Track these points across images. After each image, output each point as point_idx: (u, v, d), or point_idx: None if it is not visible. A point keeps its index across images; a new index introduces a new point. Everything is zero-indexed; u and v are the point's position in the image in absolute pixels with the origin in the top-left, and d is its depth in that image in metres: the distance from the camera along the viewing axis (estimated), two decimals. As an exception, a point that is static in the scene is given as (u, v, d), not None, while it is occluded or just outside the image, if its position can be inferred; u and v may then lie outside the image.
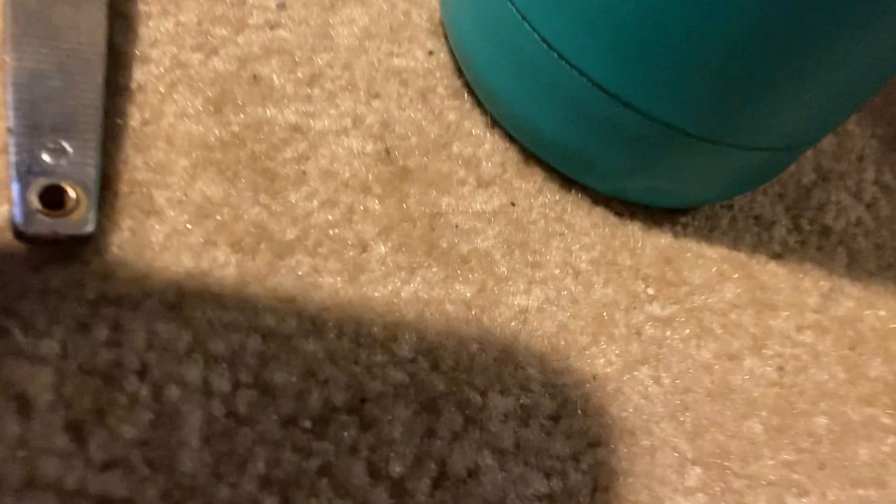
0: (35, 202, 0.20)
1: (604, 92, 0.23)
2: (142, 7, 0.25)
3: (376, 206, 0.24)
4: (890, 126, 0.35)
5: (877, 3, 0.19)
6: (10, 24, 0.21)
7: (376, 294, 0.23)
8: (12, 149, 0.20)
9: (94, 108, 0.22)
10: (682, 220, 0.28)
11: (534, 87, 0.25)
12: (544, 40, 0.24)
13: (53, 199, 0.20)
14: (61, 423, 0.19)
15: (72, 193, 0.20)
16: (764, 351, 0.26)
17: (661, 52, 0.22)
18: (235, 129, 0.24)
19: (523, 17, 0.24)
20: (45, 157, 0.20)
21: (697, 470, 0.23)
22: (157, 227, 0.22)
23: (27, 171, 0.20)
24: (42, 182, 0.20)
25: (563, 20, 0.23)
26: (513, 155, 0.27)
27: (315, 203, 0.24)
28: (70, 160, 0.21)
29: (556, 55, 0.23)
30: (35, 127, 0.21)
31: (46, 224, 0.20)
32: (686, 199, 0.27)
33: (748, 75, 0.22)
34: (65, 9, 0.22)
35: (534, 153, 0.27)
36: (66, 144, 0.21)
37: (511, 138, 0.28)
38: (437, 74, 0.28)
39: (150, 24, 0.25)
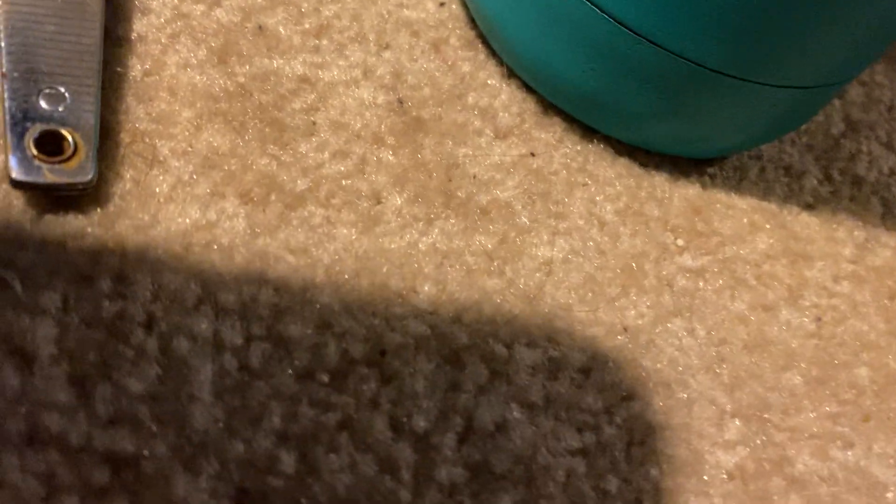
0: (32, 149, 0.19)
1: (626, 29, 0.22)
2: (140, -42, 0.24)
3: (390, 157, 0.23)
4: (920, 75, 0.33)
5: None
6: (3, -33, 0.20)
7: (393, 246, 0.22)
8: (7, 94, 0.19)
9: (92, 54, 0.21)
10: (710, 170, 0.27)
11: (552, 31, 0.24)
12: (562, -23, 0.22)
13: (51, 145, 0.19)
14: (64, 377, 0.17)
15: (70, 139, 0.19)
16: (800, 302, 0.25)
17: (686, -17, 0.21)
18: (241, 79, 0.23)
19: (539, -46, 0.23)
20: (42, 103, 0.19)
21: (737, 423, 0.22)
22: (161, 177, 0.21)
23: (23, 117, 0.19)
24: (39, 128, 0.19)
25: (582, -46, 0.22)
26: (531, 105, 0.26)
27: (326, 154, 0.23)
28: (67, 106, 0.20)
29: (574, -8, 0.22)
30: (31, 71, 0.20)
31: (44, 171, 0.19)
32: (713, 146, 0.26)
33: (779, 9, 0.21)
34: (59, -48, 0.21)
35: (553, 103, 0.26)
36: (63, 90, 0.20)
37: (528, 89, 0.26)
38: (450, 25, 0.27)
39: (150, -25, 0.24)
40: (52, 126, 0.19)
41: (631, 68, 0.23)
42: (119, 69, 0.22)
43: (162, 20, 0.24)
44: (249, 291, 0.20)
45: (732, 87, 0.23)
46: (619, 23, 0.22)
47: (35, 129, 0.19)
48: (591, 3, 0.22)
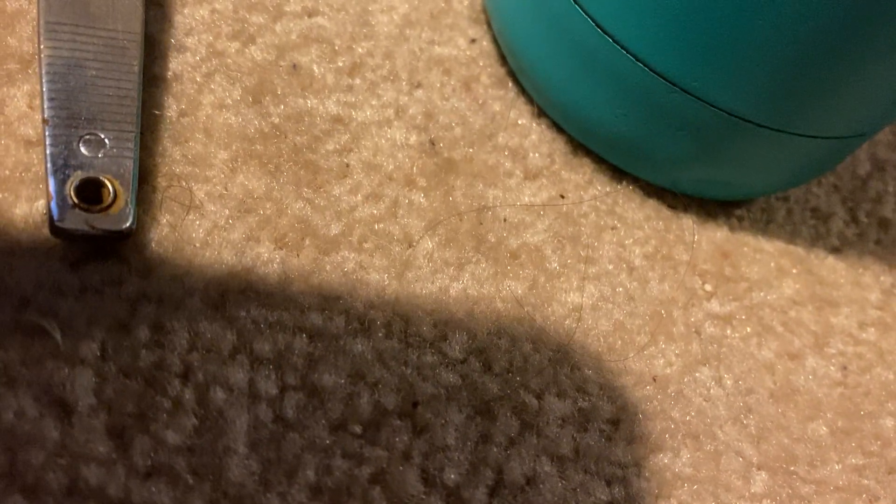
0: (73, 197, 0.19)
1: (662, 78, 0.22)
2: (176, -6, 0.25)
3: (422, 200, 0.23)
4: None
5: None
6: (45, 11, 0.20)
7: (424, 291, 0.22)
8: (48, 140, 0.19)
9: (132, 99, 0.21)
10: (738, 212, 0.27)
11: (585, 74, 0.24)
12: (597, 24, 0.22)
13: (91, 192, 0.19)
14: (102, 428, 0.18)
15: (109, 187, 0.19)
16: (826, 349, 0.25)
17: (724, 37, 0.21)
18: (276, 120, 0.23)
19: (575, 1, 0.23)
20: (83, 149, 0.19)
21: (763, 475, 0.22)
22: (197, 222, 0.21)
23: (64, 163, 0.19)
24: (79, 175, 0.19)
25: (619, 3, 0.22)
26: (560, 145, 0.26)
27: (359, 197, 0.23)
28: (107, 152, 0.20)
29: (610, 40, 0.22)
30: (72, 118, 0.20)
31: (84, 219, 0.19)
32: (743, 190, 0.26)
33: (815, 62, 0.21)
34: (100, -5, 0.21)
35: (583, 143, 0.26)
36: (102, 135, 0.20)
37: (558, 128, 0.27)
38: (481, 63, 0.27)
39: (185, 11, 0.24)
40: (92, 174, 0.19)
41: (664, 115, 0.23)
42: (156, 111, 0.22)
43: (197, 58, 0.24)
44: (284, 340, 0.20)
45: (765, 136, 0.23)
46: (655, 72, 0.22)
47: (76, 177, 0.19)
48: (627, 52, 0.22)
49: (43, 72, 0.20)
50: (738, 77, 0.22)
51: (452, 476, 0.19)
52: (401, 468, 0.19)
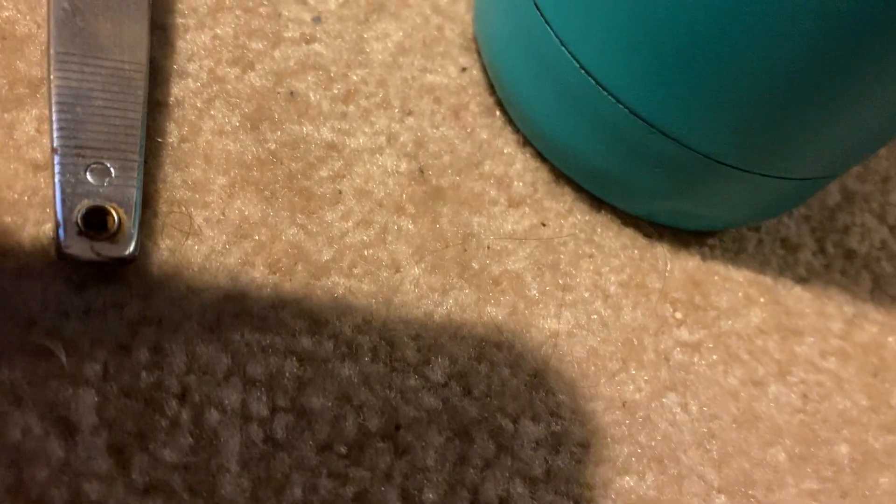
0: (79, 224, 0.20)
1: (640, 119, 0.23)
2: (179, 20, 0.25)
3: (410, 227, 0.25)
4: (916, 148, 0.35)
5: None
6: (55, 41, 0.21)
7: (409, 316, 0.23)
8: (57, 168, 0.20)
9: (137, 129, 0.22)
10: (710, 241, 0.29)
11: (568, 110, 0.25)
12: (582, 66, 0.24)
13: (96, 220, 0.20)
14: (104, 446, 0.19)
15: (114, 215, 0.20)
16: (789, 377, 0.26)
17: (698, 84, 0.22)
18: (272, 146, 0.24)
19: (561, 42, 0.24)
20: (89, 177, 0.21)
21: (723, 498, 0.23)
22: (196, 247, 0.22)
23: (72, 192, 0.20)
24: (86, 203, 0.20)
25: (602, 47, 0.23)
26: (543, 174, 0.27)
27: (350, 223, 0.24)
28: (112, 181, 0.21)
29: (593, 81, 0.24)
30: (79, 147, 0.21)
31: (89, 246, 0.20)
32: (715, 222, 0.28)
33: (784, 112, 0.22)
34: (108, 26, 0.22)
35: (564, 173, 0.27)
36: (109, 165, 0.21)
37: (542, 157, 0.28)
38: (470, 91, 0.28)
39: (188, 37, 0.25)
40: (98, 202, 0.20)
41: (641, 153, 0.24)
42: (158, 138, 0.23)
43: (199, 84, 0.25)
44: (276, 363, 0.21)
45: (738, 177, 0.24)
46: (634, 113, 0.23)
47: (83, 206, 0.20)
48: (609, 93, 0.23)
49: (52, 101, 0.21)
50: (712, 121, 0.23)
51: (431, 496, 0.21)
52: (382, 488, 0.20)
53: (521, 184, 0.27)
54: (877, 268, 0.31)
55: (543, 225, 0.26)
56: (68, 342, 0.20)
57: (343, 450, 0.21)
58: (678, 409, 0.24)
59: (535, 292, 0.25)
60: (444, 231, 0.25)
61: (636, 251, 0.27)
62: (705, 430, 0.24)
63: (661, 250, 0.27)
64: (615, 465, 0.23)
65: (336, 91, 0.26)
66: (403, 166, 0.26)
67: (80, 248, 0.20)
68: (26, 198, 0.21)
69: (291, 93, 0.26)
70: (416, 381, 0.22)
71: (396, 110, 0.27)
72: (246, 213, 0.23)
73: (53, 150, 0.20)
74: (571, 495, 0.22)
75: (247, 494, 0.19)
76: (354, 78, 0.27)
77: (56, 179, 0.20)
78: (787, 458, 0.25)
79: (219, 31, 0.26)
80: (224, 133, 0.24)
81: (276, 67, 0.26)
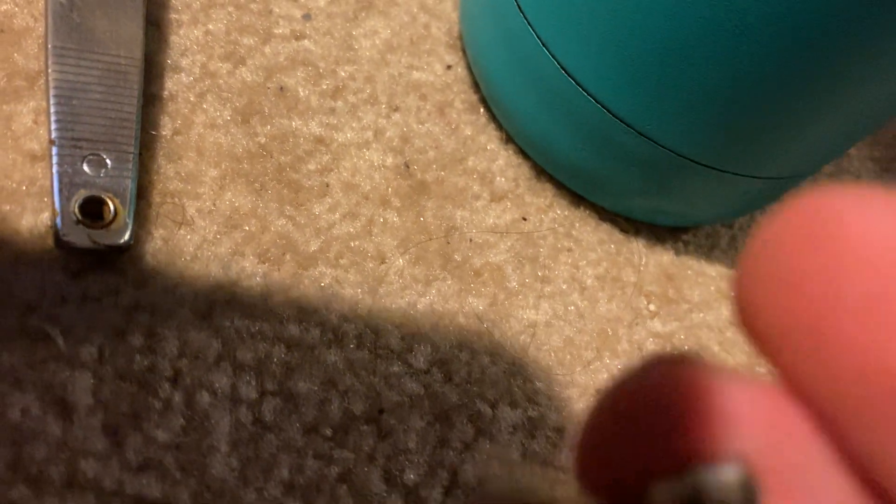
0: (76, 213, 0.21)
1: (618, 119, 0.24)
2: (173, 15, 0.26)
3: (395, 219, 0.26)
4: (886, 149, 0.36)
5: (880, 46, 0.20)
6: (52, 35, 0.22)
7: (394, 306, 0.24)
8: (55, 159, 0.21)
9: (132, 122, 0.22)
10: (685, 237, 0.30)
11: (549, 109, 0.26)
12: (562, 67, 0.24)
13: (93, 209, 0.21)
14: (99, 426, 0.20)
15: (110, 205, 0.21)
16: (757, 368, 0.28)
17: (671, 86, 0.23)
18: (262, 140, 0.25)
19: (543, 44, 0.25)
20: (86, 168, 0.21)
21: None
22: (188, 236, 0.23)
23: (69, 182, 0.21)
24: (83, 193, 0.21)
25: (581, 49, 0.24)
26: (525, 170, 0.28)
27: (337, 215, 0.25)
28: (108, 172, 0.22)
29: (573, 82, 0.24)
30: (76, 139, 0.21)
31: (86, 234, 0.21)
32: (689, 219, 0.29)
33: (753, 114, 0.23)
34: (104, 21, 0.23)
35: (545, 170, 0.28)
36: (105, 156, 0.22)
37: (524, 154, 0.29)
38: (455, 89, 0.29)
39: (181, 32, 0.26)
40: (94, 192, 0.21)
41: (619, 152, 0.25)
42: (152, 131, 0.24)
43: (191, 78, 0.25)
44: (264, 348, 0.22)
45: (712, 176, 0.25)
46: (612, 113, 0.24)
47: (80, 196, 0.21)
48: (588, 94, 0.24)
49: (50, 94, 0.22)
50: (685, 121, 0.24)
51: (412, 477, 0.22)
52: (366, 469, 0.21)
53: (503, 179, 0.28)
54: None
55: (524, 219, 0.27)
56: (65, 327, 0.20)
57: (328, 432, 0.22)
58: (650, 398, 0.25)
59: (514, 284, 0.26)
60: (428, 224, 0.26)
61: (613, 246, 0.28)
62: (675, 418, 0.25)
63: (637, 245, 0.29)
64: (588, 450, 0.24)
65: (325, 87, 0.27)
66: (389, 161, 0.27)
67: (78, 237, 0.21)
68: (24, 187, 0.22)
69: (281, 88, 0.26)
70: (399, 367, 0.23)
71: (383, 106, 0.28)
72: (236, 204, 0.24)
73: (51, 142, 0.21)
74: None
75: (236, 474, 0.20)
76: (343, 74, 0.28)
77: (54, 170, 0.21)
78: (754, 445, 0.26)
79: (211, 27, 0.27)
80: (216, 126, 0.25)
81: (267, 63, 0.27)
